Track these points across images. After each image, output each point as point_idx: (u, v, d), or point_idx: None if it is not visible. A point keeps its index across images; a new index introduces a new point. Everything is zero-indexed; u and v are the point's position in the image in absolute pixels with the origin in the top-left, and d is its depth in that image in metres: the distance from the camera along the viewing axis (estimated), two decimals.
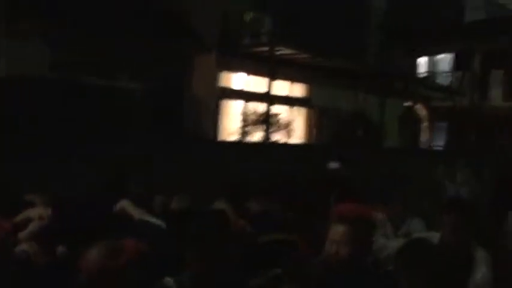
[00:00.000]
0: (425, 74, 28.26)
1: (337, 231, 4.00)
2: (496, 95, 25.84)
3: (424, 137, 23.69)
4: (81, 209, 4.53)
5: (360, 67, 16.69)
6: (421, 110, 22.93)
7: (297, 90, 16.88)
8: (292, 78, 16.27)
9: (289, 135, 15.50)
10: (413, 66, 26.98)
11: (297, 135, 16.04)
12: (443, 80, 27.41)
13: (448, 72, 27.70)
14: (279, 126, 13.94)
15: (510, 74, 25.73)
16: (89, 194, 5.49)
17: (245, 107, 14.61)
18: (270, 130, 13.50)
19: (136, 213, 4.55)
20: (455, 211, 4.56)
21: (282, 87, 16.14)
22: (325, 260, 3.99)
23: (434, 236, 4.63)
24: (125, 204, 4.65)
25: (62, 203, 4.45)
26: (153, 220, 4.41)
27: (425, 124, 23.39)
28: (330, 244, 3.97)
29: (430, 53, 27.81)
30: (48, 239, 4.02)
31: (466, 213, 4.58)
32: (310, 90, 16.97)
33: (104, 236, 3.25)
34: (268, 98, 13.51)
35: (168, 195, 5.42)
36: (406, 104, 20.06)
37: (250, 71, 15.01)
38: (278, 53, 14.33)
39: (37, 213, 4.15)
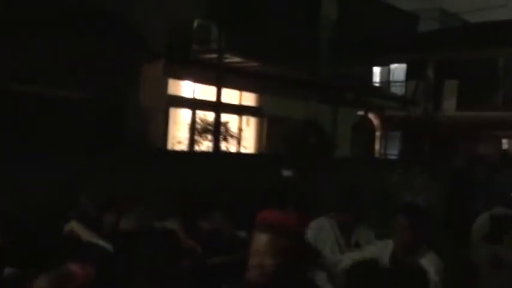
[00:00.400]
0: (378, 84, 28.36)
1: (260, 240, 3.70)
2: (449, 104, 26.02)
3: (377, 146, 23.70)
4: (30, 228, 4.46)
5: (311, 76, 16.58)
6: (374, 119, 22.95)
7: (247, 99, 16.71)
8: (242, 86, 16.08)
9: (239, 144, 15.35)
10: (367, 75, 27.05)
11: (248, 145, 15.87)
12: (397, 90, 27.53)
13: (402, 81, 27.83)
14: (228, 135, 13.70)
15: (464, 84, 25.95)
16: (38, 213, 5.41)
17: (193, 116, 14.35)
18: (220, 139, 13.26)
19: (85, 235, 4.52)
20: (408, 215, 4.54)
21: (231, 96, 15.97)
22: (248, 274, 3.69)
23: (388, 244, 4.60)
24: (73, 226, 4.62)
25: (9, 222, 4.26)
26: (101, 243, 4.34)
27: (378, 133, 23.42)
28: (253, 255, 3.79)
29: (384, 63, 27.92)
30: None
31: (418, 216, 4.57)
32: (261, 99, 16.82)
33: (53, 257, 3.27)
34: (217, 107, 13.28)
35: (118, 213, 5.26)
36: (359, 113, 20.00)
37: (198, 79, 14.78)
38: (227, 60, 14.14)
39: None
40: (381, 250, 4.67)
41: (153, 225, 5.10)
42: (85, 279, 3.26)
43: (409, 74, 27.55)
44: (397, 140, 26.43)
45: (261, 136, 15.88)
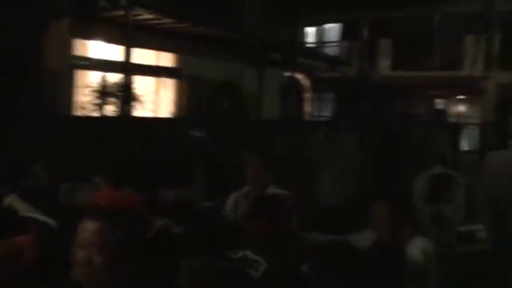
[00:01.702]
0: (313, 44, 27.75)
1: (87, 229, 2.96)
2: (384, 64, 25.54)
3: (307, 108, 23.02)
4: None
5: (235, 35, 15.68)
6: (304, 80, 22.22)
7: (165, 59, 15.73)
8: (157, 46, 15.09)
9: (155, 107, 14.48)
10: (300, 36, 26.39)
11: (165, 108, 14.94)
12: (332, 50, 26.96)
13: (336, 42, 27.23)
14: (139, 99, 12.72)
15: (399, 43, 25.48)
16: None
17: (104, 79, 13.28)
18: (132, 103, 12.33)
19: (23, 209, 4.35)
20: (385, 200, 4.23)
21: (148, 57, 15.01)
22: (73, 273, 2.93)
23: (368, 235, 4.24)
24: (11, 200, 4.49)
25: None
26: (41, 217, 4.09)
27: (308, 95, 22.71)
28: (78, 249, 2.93)
29: (318, 22, 27.29)
30: None
31: (396, 199, 4.30)
32: (180, 60, 15.86)
33: None
34: (126, 68, 12.31)
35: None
36: (288, 74, 19.21)
37: (107, 38, 13.71)
38: (139, 18, 13.16)
39: None
40: (365, 238, 4.15)
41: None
42: (33, 251, 3.15)
43: (344, 34, 26.96)
44: (331, 102, 25.94)
45: (180, 99, 14.92)
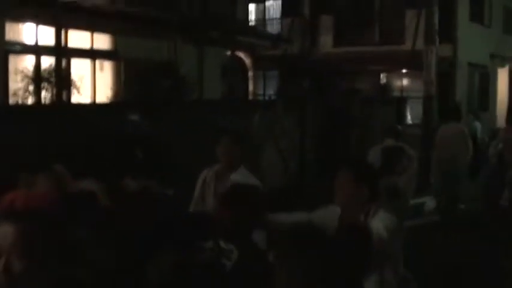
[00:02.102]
0: (252, 22, 27.48)
1: (4, 234, 2.83)
2: (326, 41, 25.45)
3: (250, 86, 22.75)
4: None
5: (171, 14, 15.28)
6: (246, 58, 21.92)
7: (100, 41, 15.23)
8: (93, 27, 14.60)
9: (92, 92, 14.04)
10: (241, 13, 26.06)
11: (102, 92, 14.48)
12: (273, 28, 26.75)
13: (277, 19, 27.01)
14: (74, 84, 12.25)
15: (340, 19, 25.40)
16: None
17: (38, 63, 12.77)
18: (66, 88, 11.86)
19: None
20: (351, 168, 4.10)
21: (82, 39, 14.52)
22: None
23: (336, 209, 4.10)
24: None
25: None
26: None
27: (250, 73, 22.44)
28: None
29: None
30: None
31: (363, 169, 4.19)
32: (117, 42, 15.39)
33: None
34: (62, 52, 11.83)
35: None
36: (228, 53, 18.87)
37: (41, 21, 13.17)
38: None
39: None
40: (330, 215, 4.07)
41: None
42: None
43: (285, 11, 26.74)
44: (274, 80, 25.75)
45: (118, 82, 14.47)
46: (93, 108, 10.15)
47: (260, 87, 26.24)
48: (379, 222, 3.90)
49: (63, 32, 12.91)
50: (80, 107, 10.54)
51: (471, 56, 24.60)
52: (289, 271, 2.67)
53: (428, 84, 19.16)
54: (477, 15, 25.90)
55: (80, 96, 12.70)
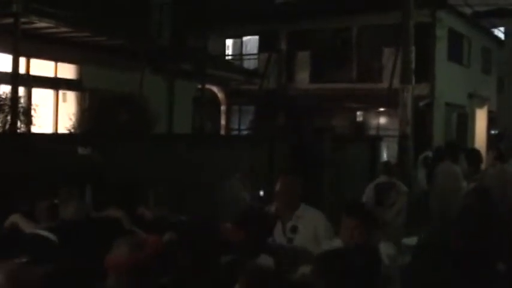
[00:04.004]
0: (229, 56, 27.28)
1: None
2: (302, 76, 25.21)
3: (222, 120, 22.35)
4: None
5: (140, 45, 14.90)
6: (219, 92, 21.55)
7: (65, 71, 14.78)
8: (56, 56, 14.17)
9: (54, 121, 13.57)
10: (219, 48, 25.84)
11: (63, 122, 13.97)
12: (250, 63, 26.55)
13: (255, 54, 26.79)
14: (28, 113, 11.76)
15: (317, 55, 25.19)
16: None
17: None
18: (20, 117, 11.38)
19: (27, 226, 4.58)
20: (354, 215, 4.59)
21: (44, 68, 14.07)
22: None
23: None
24: (15, 218, 4.74)
25: None
26: (44, 233, 4.27)
27: (223, 107, 22.06)
28: None
29: (235, 35, 26.87)
30: None
31: (365, 215, 4.66)
32: (82, 71, 14.95)
33: None
34: (15, 79, 11.37)
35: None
36: (200, 86, 18.49)
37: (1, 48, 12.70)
38: (32, 26, 12.27)
39: None
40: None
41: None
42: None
43: (262, 46, 26.52)
44: (249, 115, 25.41)
45: (81, 112, 13.97)
46: (43, 138, 9.65)
47: (235, 121, 25.90)
48: (383, 252, 4.43)
49: (24, 60, 12.52)
50: (29, 136, 10.04)
51: (449, 95, 24.41)
52: None
53: (404, 123, 18.95)
54: (455, 55, 25.79)
55: (38, 126, 12.18)
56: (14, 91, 11.33)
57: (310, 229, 5.21)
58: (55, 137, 10.68)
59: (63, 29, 13.04)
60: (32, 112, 11.76)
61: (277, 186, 5.56)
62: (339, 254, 3.49)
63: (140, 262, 3.19)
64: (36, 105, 12.06)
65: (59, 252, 4.03)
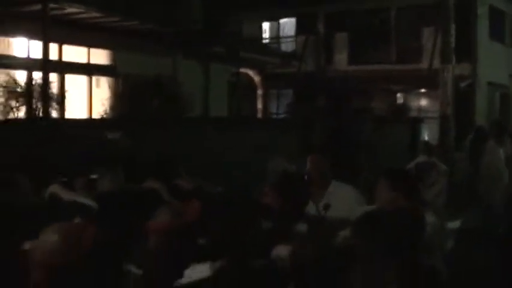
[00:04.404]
0: (266, 39, 27.02)
1: None
2: (341, 58, 24.82)
3: (259, 105, 22.09)
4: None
5: (173, 29, 14.74)
6: (255, 76, 21.28)
7: (98, 56, 14.71)
8: (91, 43, 14.10)
9: (88, 107, 13.53)
10: (256, 31, 25.64)
11: (97, 108, 13.92)
12: (288, 46, 26.24)
13: (292, 37, 26.46)
14: (57, 99, 11.72)
15: (355, 37, 24.78)
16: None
17: (30, 78, 12.22)
18: (51, 103, 11.33)
19: (67, 195, 4.72)
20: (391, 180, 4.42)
21: (78, 54, 14.01)
22: None
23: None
24: (55, 188, 4.84)
25: None
26: (84, 200, 4.42)
27: (260, 92, 21.78)
28: None
29: (272, 17, 26.58)
30: None
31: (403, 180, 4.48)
32: (115, 57, 14.85)
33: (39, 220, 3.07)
34: (48, 66, 11.32)
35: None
36: (236, 70, 18.27)
37: (30, 35, 12.65)
38: (64, 12, 12.21)
39: None
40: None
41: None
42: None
43: (299, 29, 26.16)
44: (288, 98, 25.14)
45: (115, 98, 13.89)
46: (73, 123, 9.57)
47: (274, 106, 25.69)
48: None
49: (57, 46, 12.47)
50: (61, 122, 9.97)
51: (491, 75, 23.82)
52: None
53: (444, 104, 18.59)
54: (497, 33, 25.12)
55: (72, 111, 12.15)
56: (45, 77, 11.25)
57: (343, 204, 5.17)
58: (85, 122, 10.55)
59: (94, 14, 12.93)
60: (70, 98, 11.70)
61: (307, 166, 5.65)
62: (380, 214, 3.38)
63: (180, 227, 3.34)
64: (67, 91, 12.00)
65: (97, 217, 4.20)
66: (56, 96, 11.60)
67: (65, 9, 12.28)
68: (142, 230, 3.43)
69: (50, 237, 2.81)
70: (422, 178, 9.10)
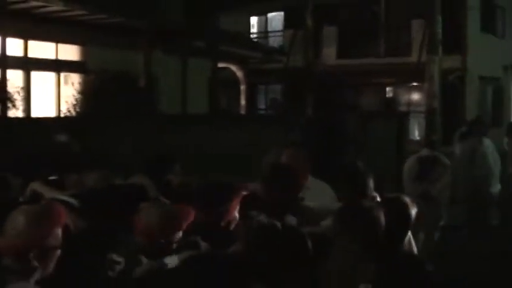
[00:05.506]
0: (256, 35, 26.71)
1: None
2: (329, 53, 24.44)
3: (242, 100, 21.69)
4: None
5: (148, 24, 14.34)
6: (237, 71, 20.89)
7: (67, 52, 14.30)
8: (60, 38, 13.70)
9: (55, 105, 13.17)
10: (244, 26, 25.32)
11: (64, 105, 13.51)
12: (276, 40, 25.93)
13: (280, 31, 26.11)
14: (11, 97, 11.34)
15: (343, 31, 24.40)
16: None
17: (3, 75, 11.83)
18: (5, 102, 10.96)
19: (48, 193, 4.74)
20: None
21: (46, 50, 13.63)
22: None
23: None
24: (35, 186, 4.92)
25: None
26: (65, 198, 4.33)
27: (242, 87, 21.38)
28: None
29: (259, 12, 26.24)
30: None
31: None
32: (86, 53, 14.46)
33: None
34: (5, 62, 10.95)
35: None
36: (218, 65, 17.87)
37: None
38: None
39: None
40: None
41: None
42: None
43: (287, 23, 25.76)
44: (274, 94, 24.81)
45: (86, 95, 13.47)
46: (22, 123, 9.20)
47: (261, 101, 25.35)
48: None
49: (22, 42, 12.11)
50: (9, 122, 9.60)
51: (483, 68, 23.40)
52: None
53: (431, 97, 18.25)
54: (489, 26, 24.68)
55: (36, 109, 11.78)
56: (2, 74, 10.88)
57: (316, 200, 5.13)
58: (36, 122, 10.14)
59: (56, 8, 12.50)
60: (16, 96, 11.32)
61: (282, 159, 5.52)
62: (360, 207, 3.61)
63: (169, 229, 3.43)
64: (21, 88, 11.62)
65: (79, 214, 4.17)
66: (13, 95, 11.20)
67: (27, 1, 11.89)
68: (127, 224, 3.53)
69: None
70: (426, 173, 9.22)
